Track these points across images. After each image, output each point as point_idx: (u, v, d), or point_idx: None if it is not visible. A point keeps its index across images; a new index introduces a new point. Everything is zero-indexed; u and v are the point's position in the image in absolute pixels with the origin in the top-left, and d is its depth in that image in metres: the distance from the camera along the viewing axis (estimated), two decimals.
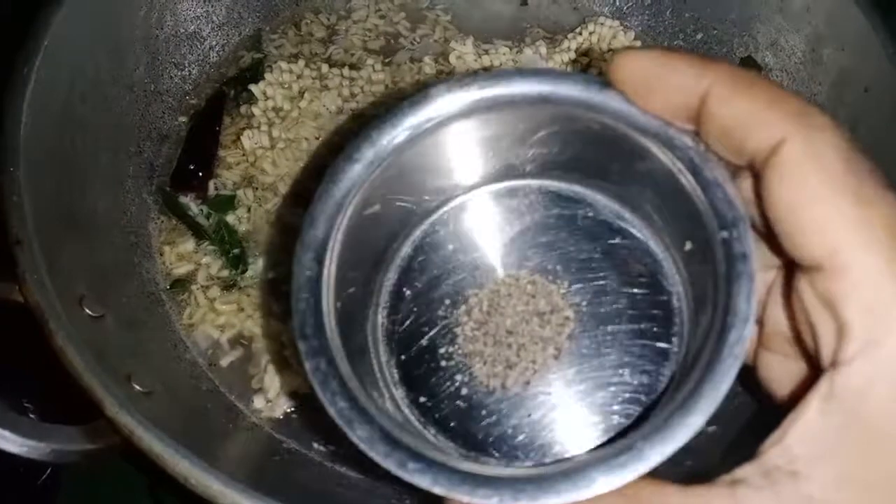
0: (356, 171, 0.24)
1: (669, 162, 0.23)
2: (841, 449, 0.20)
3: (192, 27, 0.49)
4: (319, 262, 0.23)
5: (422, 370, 0.26)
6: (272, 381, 0.40)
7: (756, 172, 0.22)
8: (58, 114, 0.39)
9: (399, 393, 0.26)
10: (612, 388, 0.26)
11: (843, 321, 0.20)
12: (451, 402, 0.26)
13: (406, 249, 0.28)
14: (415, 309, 0.27)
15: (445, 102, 0.24)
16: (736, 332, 0.21)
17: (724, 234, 0.22)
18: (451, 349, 0.26)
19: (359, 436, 0.21)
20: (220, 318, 0.42)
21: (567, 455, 0.25)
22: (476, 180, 0.28)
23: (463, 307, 0.27)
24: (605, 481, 0.20)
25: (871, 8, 0.43)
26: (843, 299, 0.20)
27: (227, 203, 0.45)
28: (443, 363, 0.26)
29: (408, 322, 0.27)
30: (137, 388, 0.34)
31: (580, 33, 0.51)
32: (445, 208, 0.28)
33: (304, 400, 0.40)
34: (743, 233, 0.22)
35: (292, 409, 0.40)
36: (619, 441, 0.22)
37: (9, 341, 0.37)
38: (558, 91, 0.24)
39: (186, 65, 0.49)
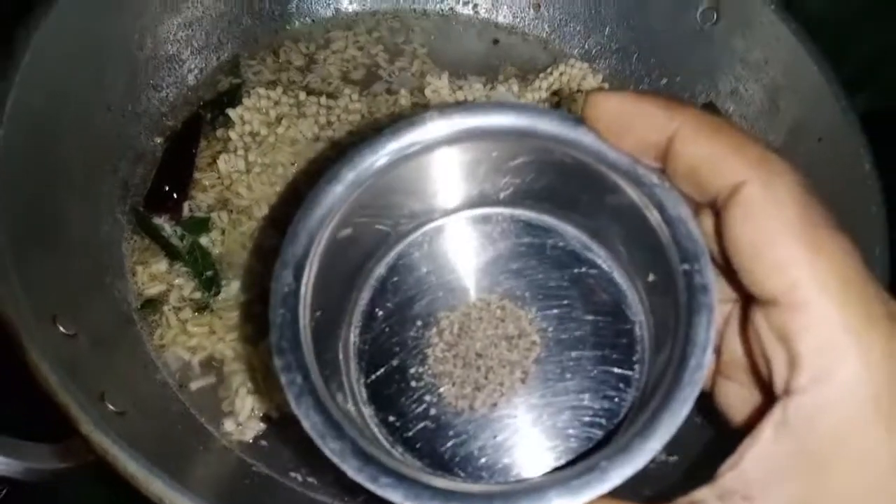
0: (337, 191, 0.25)
1: (636, 197, 0.25)
2: (791, 474, 0.21)
3: (172, 50, 0.49)
4: (297, 278, 0.24)
5: (391, 389, 0.27)
6: (243, 404, 0.40)
7: (717, 211, 0.23)
8: (35, 130, 0.39)
9: (368, 411, 0.27)
10: (575, 412, 0.27)
11: (796, 353, 0.21)
12: (418, 422, 0.27)
13: (380, 270, 0.28)
14: (386, 329, 0.28)
15: (427, 129, 0.25)
16: (695, 360, 0.22)
17: (686, 266, 0.23)
18: (421, 370, 0.27)
19: (331, 449, 0.22)
20: (192, 339, 0.42)
21: (530, 477, 0.26)
22: (452, 206, 0.29)
23: (434, 329, 0.28)
24: (568, 500, 0.21)
25: (825, 61, 0.45)
26: (797, 334, 0.21)
27: (200, 225, 0.45)
28: (412, 383, 0.27)
29: (379, 342, 0.28)
30: (111, 407, 0.33)
31: (551, 73, 0.53)
32: (421, 231, 0.29)
33: (275, 424, 0.40)
34: (704, 266, 0.23)
35: (262, 432, 0.40)
36: (582, 462, 0.22)
37: None
38: (536, 125, 0.25)
39: (164, 86, 0.49)
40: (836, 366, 0.21)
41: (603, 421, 0.26)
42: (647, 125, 0.23)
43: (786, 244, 0.21)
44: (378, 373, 0.27)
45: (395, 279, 0.28)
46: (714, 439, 0.38)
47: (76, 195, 0.42)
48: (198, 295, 0.43)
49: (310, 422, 0.22)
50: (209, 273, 0.43)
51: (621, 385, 0.27)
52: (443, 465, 0.26)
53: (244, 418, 0.40)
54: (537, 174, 0.27)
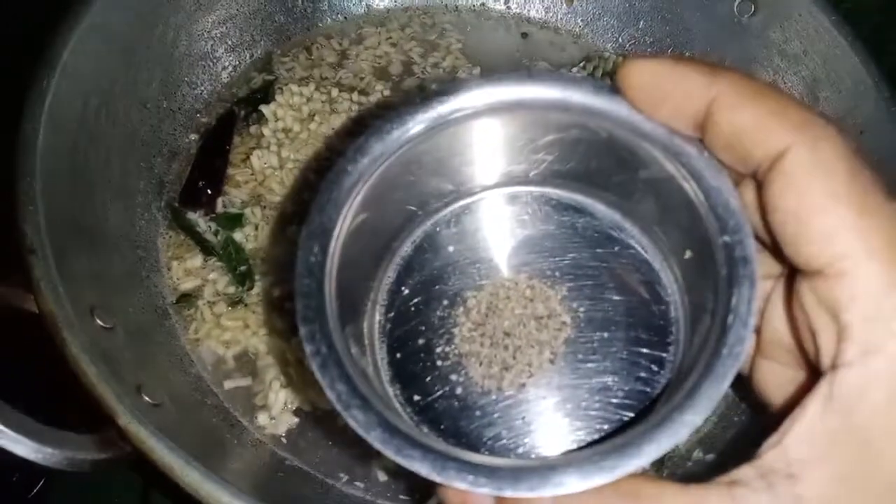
0: (364, 164, 0.24)
1: (673, 169, 0.24)
2: (836, 451, 0.20)
3: (206, 47, 0.50)
4: (324, 250, 0.23)
5: (417, 368, 0.26)
6: (276, 398, 0.40)
7: (760, 180, 0.22)
8: (73, 127, 0.40)
9: (393, 390, 0.26)
10: (606, 394, 0.26)
11: (844, 325, 0.20)
12: (444, 402, 0.26)
13: (406, 248, 0.28)
14: (412, 308, 0.27)
15: (458, 101, 0.24)
16: (736, 333, 0.21)
17: (726, 238, 0.22)
18: (447, 349, 0.27)
19: (356, 419, 0.21)
20: (226, 334, 0.42)
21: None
22: (481, 185, 0.28)
23: (461, 308, 0.27)
24: (604, 474, 0.20)
25: (866, 52, 0.44)
26: (845, 304, 0.20)
27: (234, 220, 0.45)
28: (438, 362, 0.26)
29: (405, 320, 0.27)
30: (147, 399, 0.34)
31: (584, 67, 0.53)
32: (448, 210, 0.28)
33: (308, 418, 0.40)
34: (745, 237, 0.22)
35: (296, 426, 0.40)
36: (619, 437, 0.22)
37: (20, 348, 0.37)
38: (569, 96, 0.24)
39: (199, 84, 0.50)
40: (885, 338, 0.20)
41: (634, 403, 0.26)
42: (685, 91, 0.22)
43: (833, 211, 0.20)
44: (403, 351, 0.27)
45: (422, 258, 0.28)
46: (755, 438, 0.37)
47: (113, 191, 0.43)
48: (232, 290, 0.43)
49: (335, 392, 0.21)
50: (243, 268, 0.44)
51: (654, 367, 0.26)
52: (468, 446, 0.25)
53: (277, 412, 0.40)
54: (570, 150, 0.26)
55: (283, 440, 0.39)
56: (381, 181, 0.25)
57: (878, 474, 0.20)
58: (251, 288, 0.43)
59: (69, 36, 0.40)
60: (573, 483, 0.20)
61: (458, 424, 0.26)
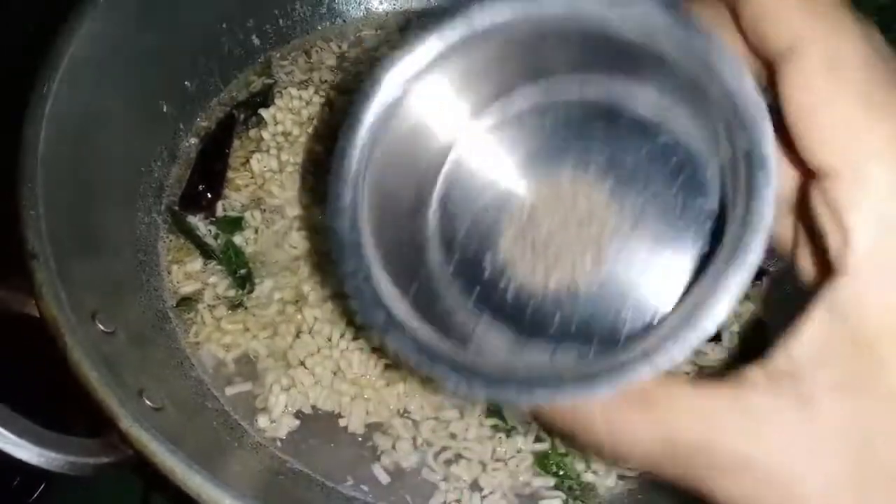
0: (389, 94, 0.24)
1: (693, 66, 0.23)
2: (840, 352, 0.20)
3: (206, 50, 0.50)
4: (354, 188, 0.24)
5: (468, 276, 0.27)
6: (277, 401, 0.40)
7: (775, 72, 0.21)
8: (74, 131, 0.40)
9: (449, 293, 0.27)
10: (653, 287, 0.26)
11: (848, 228, 0.20)
12: (498, 299, 0.27)
13: (448, 165, 0.28)
14: (457, 223, 0.28)
15: (470, 21, 0.24)
16: (758, 213, 0.21)
17: (745, 136, 0.22)
18: (494, 256, 0.27)
19: (394, 342, 0.22)
20: (226, 337, 0.42)
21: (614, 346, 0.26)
22: (512, 95, 0.28)
23: (505, 214, 0.28)
24: (611, 380, 0.21)
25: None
26: (849, 206, 0.20)
27: (234, 224, 0.45)
28: (487, 268, 0.27)
29: (451, 232, 0.28)
30: (148, 403, 0.34)
31: None
32: (480, 127, 0.28)
33: (309, 420, 0.40)
34: (762, 135, 0.22)
35: (296, 429, 0.40)
36: (641, 338, 0.22)
37: (21, 352, 0.37)
38: (584, 8, 0.24)
39: (199, 87, 0.50)
40: (890, 241, 0.19)
41: (680, 293, 0.26)
42: None
43: (842, 110, 0.19)
44: (453, 261, 0.28)
45: (464, 169, 0.28)
46: None
47: (113, 196, 0.43)
48: (232, 293, 0.43)
49: (372, 319, 0.23)
50: (243, 271, 0.44)
51: (698, 260, 0.26)
52: (530, 334, 0.26)
53: (278, 415, 0.40)
54: (591, 59, 0.26)
55: (284, 443, 0.40)
56: (401, 118, 0.25)
57: (883, 376, 0.20)
58: (251, 291, 0.43)
59: (70, 39, 0.40)
60: (585, 390, 0.21)
61: (514, 319, 0.27)
